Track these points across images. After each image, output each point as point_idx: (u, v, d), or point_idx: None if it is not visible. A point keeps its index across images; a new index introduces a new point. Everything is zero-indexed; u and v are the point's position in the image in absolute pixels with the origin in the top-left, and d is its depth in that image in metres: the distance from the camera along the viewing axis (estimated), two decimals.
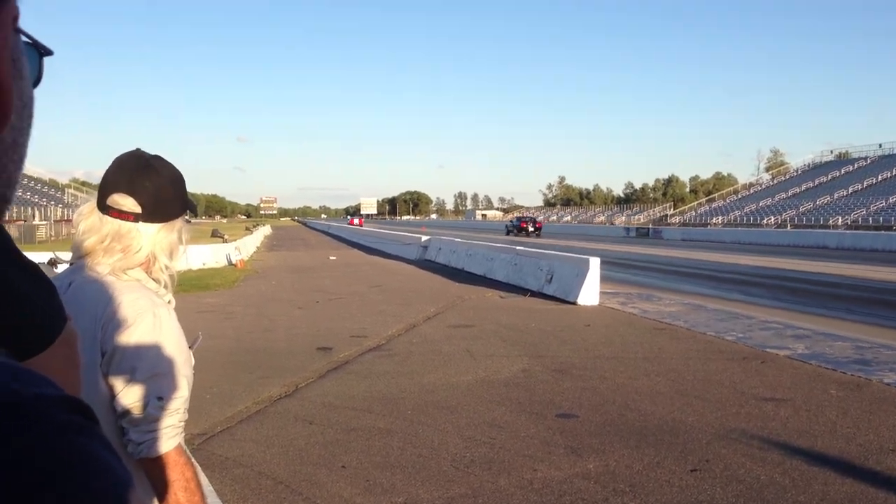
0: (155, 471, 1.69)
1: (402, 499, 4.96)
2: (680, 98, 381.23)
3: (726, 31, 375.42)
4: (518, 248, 20.33)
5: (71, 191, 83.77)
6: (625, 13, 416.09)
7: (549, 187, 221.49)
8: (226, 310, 14.46)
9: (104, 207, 1.77)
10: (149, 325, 1.72)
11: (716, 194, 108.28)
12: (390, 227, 72.53)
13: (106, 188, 1.78)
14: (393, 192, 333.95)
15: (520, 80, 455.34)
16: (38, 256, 10.68)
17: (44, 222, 58.03)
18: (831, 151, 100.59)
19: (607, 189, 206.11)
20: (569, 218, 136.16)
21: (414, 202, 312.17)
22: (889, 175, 75.77)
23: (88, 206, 1.83)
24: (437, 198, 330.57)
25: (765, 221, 73.08)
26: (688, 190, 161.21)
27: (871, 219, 61.96)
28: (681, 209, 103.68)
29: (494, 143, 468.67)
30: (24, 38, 0.54)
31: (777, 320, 12.47)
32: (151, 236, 1.79)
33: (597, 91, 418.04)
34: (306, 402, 7.39)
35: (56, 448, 0.44)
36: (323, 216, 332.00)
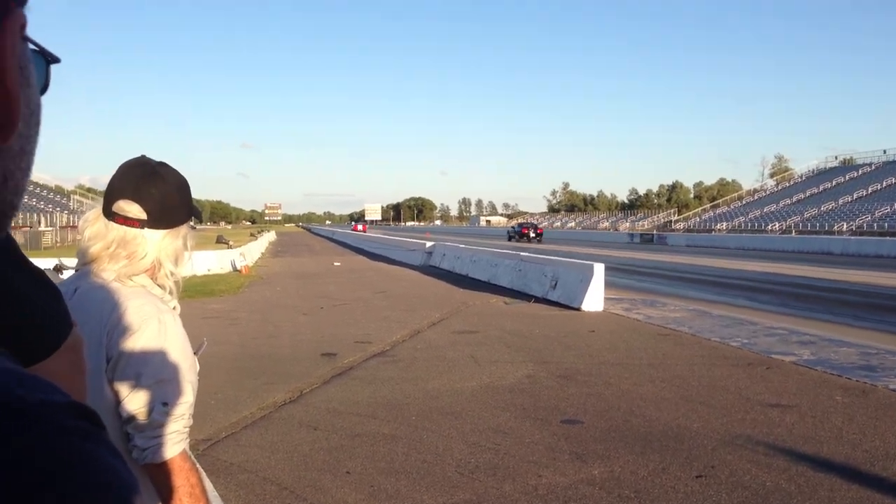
0: (160, 476, 1.70)
1: None
2: (684, 104, 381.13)
3: (730, 38, 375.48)
4: (522, 253, 20.32)
5: (76, 197, 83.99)
6: (630, 20, 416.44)
7: (554, 193, 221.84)
8: (230, 316, 14.47)
9: (110, 214, 1.78)
10: (154, 330, 1.73)
11: (720, 200, 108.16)
12: (395, 233, 72.62)
13: (112, 195, 1.79)
14: (398, 199, 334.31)
15: (523, 86, 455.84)
16: (43, 262, 10.67)
17: (49, 228, 58.12)
18: (836, 157, 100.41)
19: (611, 195, 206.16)
20: (573, 224, 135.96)
21: (418, 208, 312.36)
22: (894, 181, 75.66)
23: (94, 213, 1.83)
24: (442, 204, 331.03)
25: (769, 227, 72.95)
26: (692, 196, 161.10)
27: (875, 225, 61.83)
28: (685, 215, 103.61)
29: (499, 149, 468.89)
30: (31, 46, 0.54)
31: (782, 326, 12.44)
32: (157, 242, 1.80)
33: (601, 98, 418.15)
34: (311, 408, 7.39)
35: (62, 453, 0.44)
36: (327, 222, 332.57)
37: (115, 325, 1.71)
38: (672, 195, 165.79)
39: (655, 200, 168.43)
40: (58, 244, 52.76)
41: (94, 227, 1.80)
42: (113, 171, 1.83)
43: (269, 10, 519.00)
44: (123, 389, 1.69)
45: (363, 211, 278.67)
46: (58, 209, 71.15)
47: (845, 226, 64.38)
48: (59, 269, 10.95)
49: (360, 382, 8.49)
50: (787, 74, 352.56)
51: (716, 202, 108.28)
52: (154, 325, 1.73)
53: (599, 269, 14.92)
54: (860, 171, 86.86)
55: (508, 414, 7.11)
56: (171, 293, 1.86)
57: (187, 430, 1.76)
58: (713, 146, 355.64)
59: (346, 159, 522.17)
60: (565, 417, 6.99)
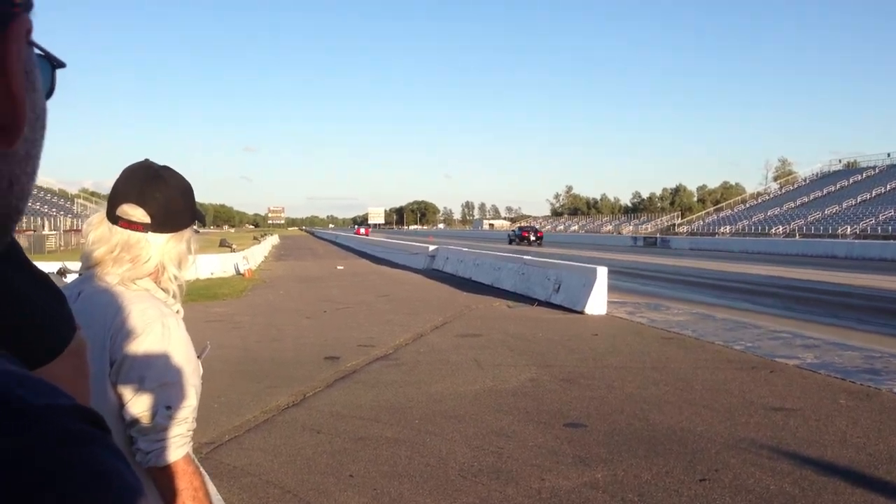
0: (164, 480, 1.70)
1: None
2: (687, 108, 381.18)
3: (734, 41, 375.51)
4: (525, 257, 20.33)
5: (80, 201, 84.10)
6: (634, 23, 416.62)
7: (557, 196, 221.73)
8: (234, 319, 14.48)
9: (114, 218, 1.79)
10: (157, 334, 1.73)
11: (723, 203, 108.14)
12: (398, 237, 72.66)
13: (115, 199, 1.80)
14: (401, 202, 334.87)
15: (527, 89, 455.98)
16: (47, 266, 10.72)
17: (53, 232, 58.21)
18: (839, 161, 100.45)
19: (615, 198, 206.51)
20: (576, 227, 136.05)
21: (421, 212, 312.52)
22: None
23: (98, 217, 1.84)
24: (445, 207, 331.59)
25: (773, 231, 72.90)
26: (695, 199, 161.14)
27: (879, 228, 61.74)
28: (688, 218, 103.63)
29: (502, 152, 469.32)
30: (36, 51, 0.54)
31: (786, 330, 12.42)
32: (160, 246, 1.81)
33: (604, 101, 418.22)
34: (314, 412, 7.39)
35: (66, 456, 0.44)
36: (330, 226, 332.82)
37: (118, 329, 1.71)
38: (675, 199, 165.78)
39: (659, 204, 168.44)
40: (61, 248, 52.82)
41: (98, 231, 1.81)
42: (117, 175, 1.84)
43: (272, 13, 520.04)
44: (127, 393, 1.70)
45: (366, 214, 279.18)
46: (61, 213, 71.26)
47: (849, 229, 64.29)
48: (62, 272, 10.99)
49: (363, 386, 8.49)
50: (790, 78, 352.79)
51: (719, 205, 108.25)
52: (158, 329, 1.74)
53: (602, 273, 14.91)
54: (864, 175, 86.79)
55: (511, 417, 7.11)
56: (174, 297, 1.86)
57: (191, 433, 1.77)
58: (717, 149, 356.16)
59: (349, 163, 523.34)
60: (568, 421, 6.99)
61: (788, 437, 6.41)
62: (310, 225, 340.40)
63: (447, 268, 26.78)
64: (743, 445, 6.15)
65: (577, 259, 22.58)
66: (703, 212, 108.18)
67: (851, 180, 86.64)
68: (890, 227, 60.51)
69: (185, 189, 1.87)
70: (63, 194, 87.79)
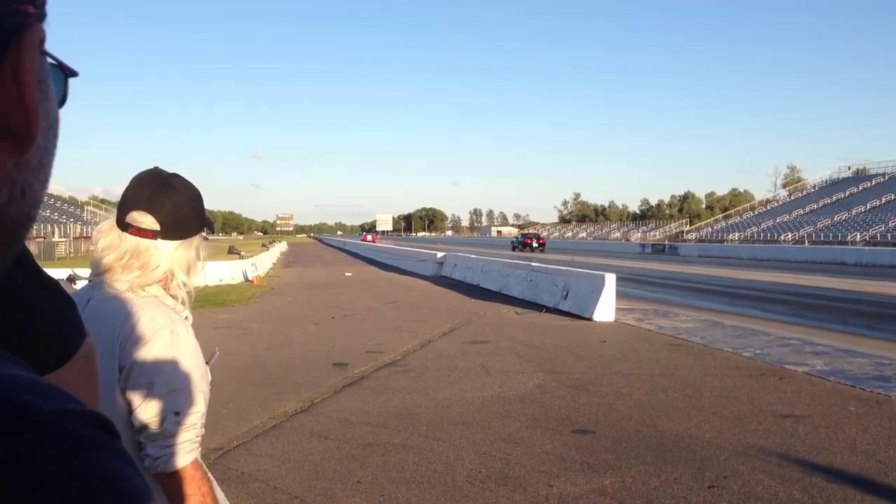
0: (172, 485, 1.70)
1: None
2: (696, 115, 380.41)
3: (743, 48, 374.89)
4: (533, 264, 20.31)
5: (90, 208, 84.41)
6: (643, 31, 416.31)
7: (565, 204, 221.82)
8: (242, 326, 14.50)
9: (123, 225, 1.80)
10: (166, 341, 1.74)
11: (732, 210, 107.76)
12: (406, 244, 72.79)
13: (125, 206, 1.81)
14: (409, 209, 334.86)
15: (535, 97, 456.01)
16: (57, 273, 10.73)
17: (63, 239, 58.42)
18: (849, 168, 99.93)
19: (623, 205, 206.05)
20: (584, 234, 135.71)
21: (429, 219, 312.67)
22: None
23: (108, 224, 1.85)
24: (453, 214, 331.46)
25: (782, 238, 72.61)
26: (704, 206, 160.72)
27: (889, 235, 61.40)
28: (697, 225, 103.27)
29: (510, 159, 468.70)
30: (49, 60, 0.55)
31: (795, 336, 12.37)
32: (169, 253, 1.82)
33: (613, 108, 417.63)
34: (322, 418, 7.39)
35: (76, 461, 0.44)
36: (339, 233, 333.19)
37: (127, 335, 1.72)
38: (684, 206, 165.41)
39: (667, 211, 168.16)
40: (71, 255, 53.01)
41: (108, 238, 1.82)
42: (126, 183, 1.85)
43: (281, 21, 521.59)
44: (136, 399, 1.71)
45: (374, 221, 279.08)
46: (71, 220, 71.57)
47: (858, 236, 64.01)
48: (72, 279, 11.03)
49: (371, 392, 8.49)
50: (799, 85, 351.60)
51: (728, 212, 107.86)
52: (166, 335, 1.75)
53: (611, 280, 14.88)
54: (873, 182, 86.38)
55: (519, 424, 7.10)
56: (183, 303, 1.87)
57: (199, 439, 1.77)
58: (725, 157, 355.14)
59: (357, 170, 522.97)
60: (576, 427, 6.97)
61: (798, 444, 6.38)
62: (318, 232, 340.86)
63: (455, 274, 26.77)
64: (752, 452, 6.13)
65: (584, 266, 22.51)
66: (712, 219, 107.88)
67: (861, 187, 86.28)
68: None
69: (195, 196, 1.88)
70: (73, 201, 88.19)
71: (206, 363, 1.86)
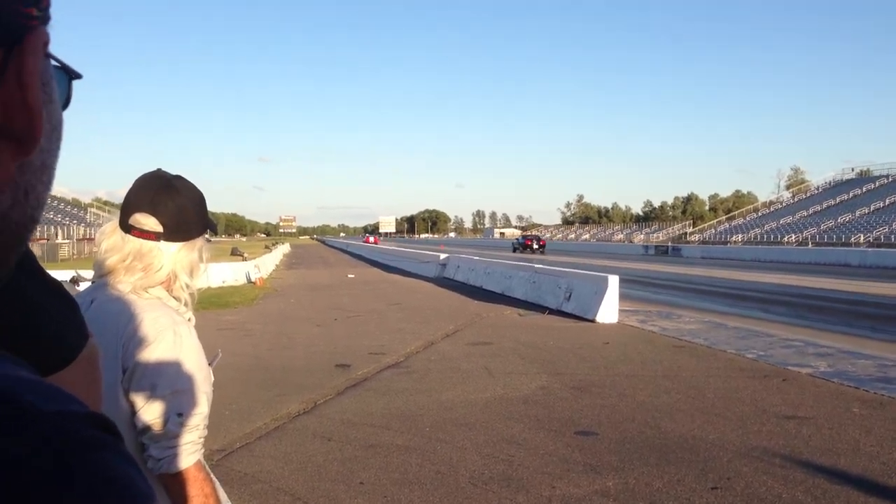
0: (175, 486, 1.71)
1: None
2: (699, 116, 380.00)
3: (746, 50, 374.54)
4: (536, 265, 20.29)
5: (93, 210, 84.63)
6: (646, 33, 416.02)
7: (568, 205, 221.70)
8: (245, 327, 14.51)
9: (126, 227, 1.80)
10: (169, 342, 1.74)
11: (736, 212, 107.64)
12: (409, 245, 72.91)
13: (128, 208, 1.81)
14: (412, 211, 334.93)
15: (537, 98, 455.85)
16: (60, 274, 10.77)
17: (66, 241, 58.52)
18: (852, 169, 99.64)
19: (626, 207, 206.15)
20: (587, 236, 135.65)
21: (432, 220, 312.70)
22: None
23: (111, 226, 1.86)
24: (456, 216, 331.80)
25: (785, 239, 72.51)
26: (707, 208, 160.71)
27: (893, 237, 61.24)
28: (700, 227, 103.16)
29: (513, 161, 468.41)
30: (53, 63, 0.55)
31: (798, 338, 12.35)
32: (172, 255, 1.82)
33: (615, 109, 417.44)
34: (325, 419, 7.40)
35: (78, 462, 0.44)
36: (342, 234, 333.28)
37: (130, 337, 1.73)
38: (687, 207, 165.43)
39: (670, 212, 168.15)
40: (74, 256, 53.12)
41: (111, 240, 1.82)
42: (129, 185, 1.86)
43: (285, 24, 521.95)
44: (139, 400, 1.71)
45: (377, 223, 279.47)
46: (75, 222, 71.65)
47: (862, 237, 63.91)
48: (75, 281, 11.06)
49: (374, 394, 8.49)
50: (802, 86, 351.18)
51: (731, 214, 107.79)
52: (169, 337, 1.75)
53: (614, 281, 14.87)
54: (877, 183, 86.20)
55: (522, 425, 7.09)
56: (186, 305, 1.88)
57: (202, 440, 1.78)
58: (729, 158, 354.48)
59: (360, 172, 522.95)
60: (579, 429, 6.97)
61: (801, 445, 6.37)
62: (321, 234, 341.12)
63: (458, 276, 26.77)
64: (755, 454, 6.12)
65: (588, 268, 22.50)
66: (715, 220, 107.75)
67: (864, 189, 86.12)
68: None
69: (197, 198, 1.89)
70: (76, 203, 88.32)
71: (209, 365, 1.86)
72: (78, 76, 0.60)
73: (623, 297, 15.68)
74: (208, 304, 17.74)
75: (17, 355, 0.53)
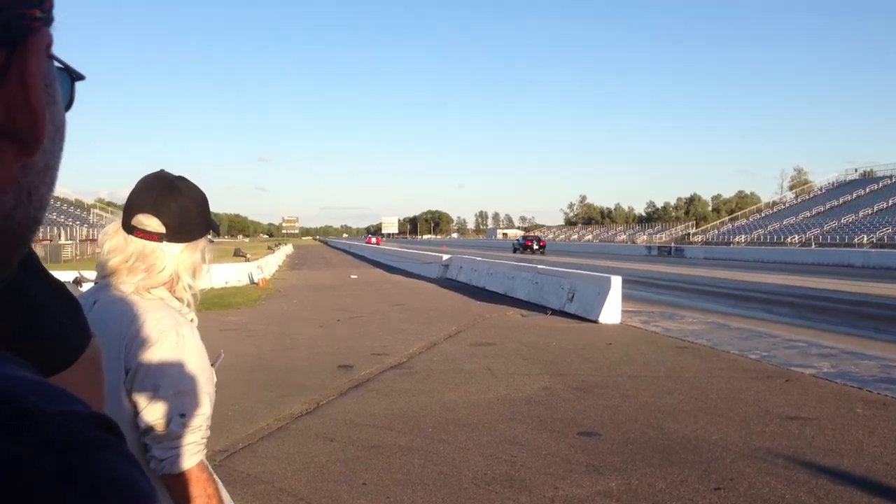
0: (178, 487, 1.71)
1: None
2: (702, 117, 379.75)
3: (746, 50, 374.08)
4: (539, 266, 20.28)
5: (96, 211, 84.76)
6: (649, 34, 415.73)
7: (571, 206, 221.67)
8: (248, 328, 14.52)
9: (129, 227, 1.81)
10: (172, 343, 1.75)
11: (739, 213, 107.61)
12: (411, 246, 72.90)
13: (131, 208, 1.81)
14: (415, 212, 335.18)
15: (539, 98, 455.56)
16: (63, 275, 10.78)
17: (69, 242, 58.59)
18: (856, 170, 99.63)
19: (629, 208, 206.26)
20: (590, 237, 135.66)
21: (435, 221, 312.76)
22: None
23: (114, 226, 1.86)
24: (459, 217, 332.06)
25: (788, 240, 72.47)
26: (710, 209, 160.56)
27: None
28: (703, 228, 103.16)
29: (515, 162, 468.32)
30: (56, 64, 0.55)
31: (802, 339, 12.34)
32: (175, 256, 1.82)
33: (618, 110, 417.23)
34: (327, 420, 7.40)
35: (80, 462, 0.44)
36: (344, 235, 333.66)
37: (133, 337, 1.73)
38: (690, 208, 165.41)
39: (673, 213, 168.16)
40: (77, 257, 53.15)
41: (114, 241, 1.82)
42: (132, 186, 1.86)
43: (285, 24, 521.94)
44: (141, 401, 1.71)
45: (380, 224, 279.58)
46: (77, 223, 71.78)
47: (866, 238, 63.83)
48: (78, 281, 11.07)
49: (376, 394, 8.49)
50: (805, 87, 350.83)
51: (734, 215, 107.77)
52: (172, 338, 1.75)
53: (617, 282, 14.86)
54: (881, 184, 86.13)
55: (525, 426, 7.09)
56: (188, 306, 1.88)
57: (205, 441, 1.78)
58: (732, 159, 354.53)
59: (362, 173, 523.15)
60: (582, 429, 6.96)
61: (804, 446, 6.36)
62: (324, 234, 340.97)
63: (461, 277, 26.76)
64: (758, 454, 6.11)
65: (590, 268, 22.49)
66: (718, 221, 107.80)
67: (868, 189, 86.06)
68: None
69: (200, 199, 1.89)
70: (79, 204, 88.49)
71: (212, 365, 1.87)
72: (81, 77, 0.60)
73: (626, 297, 15.66)
74: (211, 305, 17.75)
75: (20, 356, 0.53)
